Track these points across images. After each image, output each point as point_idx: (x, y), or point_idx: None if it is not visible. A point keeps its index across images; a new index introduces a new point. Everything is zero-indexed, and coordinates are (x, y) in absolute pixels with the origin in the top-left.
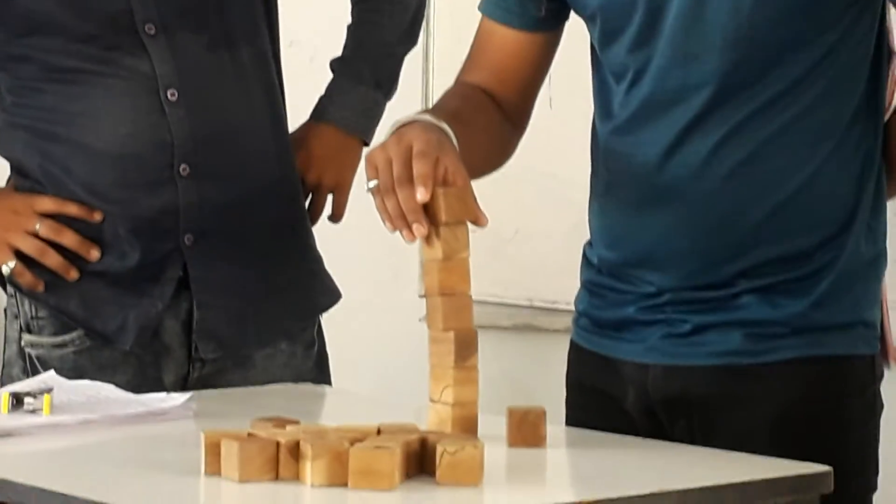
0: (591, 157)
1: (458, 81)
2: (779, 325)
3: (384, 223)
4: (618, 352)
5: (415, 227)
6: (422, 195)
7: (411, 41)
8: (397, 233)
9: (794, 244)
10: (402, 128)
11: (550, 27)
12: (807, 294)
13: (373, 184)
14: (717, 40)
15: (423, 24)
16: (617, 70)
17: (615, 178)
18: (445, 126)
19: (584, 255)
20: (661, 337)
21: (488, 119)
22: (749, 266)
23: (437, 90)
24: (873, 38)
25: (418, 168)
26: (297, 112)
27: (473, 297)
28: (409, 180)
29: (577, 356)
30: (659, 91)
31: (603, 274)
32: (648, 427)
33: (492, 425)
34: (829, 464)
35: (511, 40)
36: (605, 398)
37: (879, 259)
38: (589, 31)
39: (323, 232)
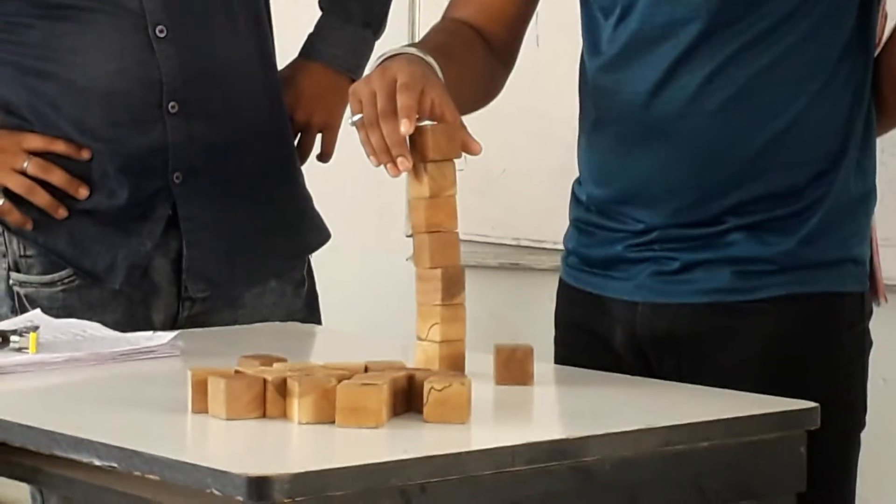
0: (579, 95)
1: (445, 17)
2: (767, 263)
3: (368, 157)
4: (606, 290)
5: (399, 160)
6: (405, 127)
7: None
8: (383, 170)
9: (782, 181)
10: (386, 60)
11: None
12: (795, 231)
13: (357, 117)
14: None
15: None
16: (605, 5)
17: (603, 115)
18: (431, 59)
19: (573, 193)
20: (650, 275)
21: (475, 55)
22: (737, 203)
23: (424, 27)
24: None
25: (402, 100)
26: (279, 47)
27: (460, 237)
28: (393, 113)
29: (566, 294)
30: (647, 27)
31: (591, 212)
32: (636, 365)
33: (479, 363)
34: (817, 400)
35: None
36: (593, 336)
37: (869, 196)
38: None
39: (309, 171)
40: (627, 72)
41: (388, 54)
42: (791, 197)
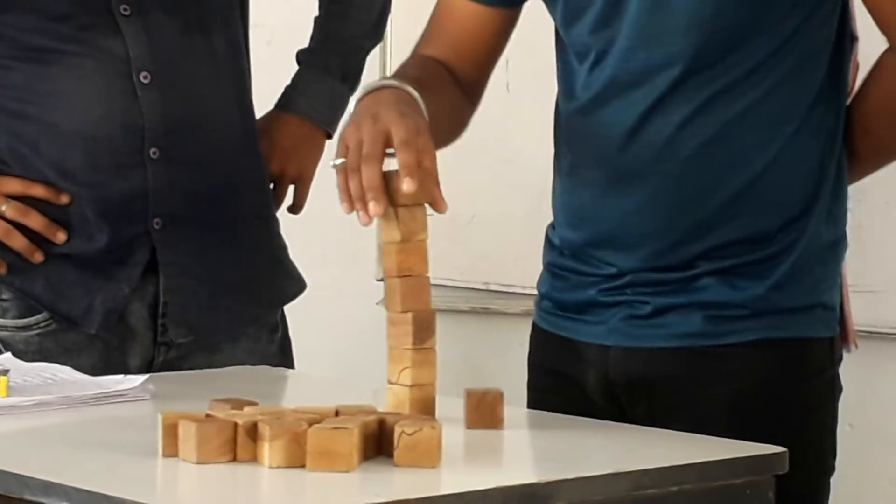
0: (554, 139)
1: (415, 54)
2: (739, 308)
3: (341, 203)
4: (579, 334)
5: (371, 204)
6: (409, 186)
7: (378, 36)
8: (354, 216)
9: (754, 226)
10: (371, 94)
11: (511, 4)
12: (767, 276)
13: (339, 161)
14: (682, 22)
15: None
16: (580, 50)
17: (578, 159)
18: (416, 94)
19: (547, 237)
20: (622, 318)
21: (448, 90)
22: (710, 248)
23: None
24: (835, 23)
25: (404, 158)
26: (255, 98)
27: (431, 281)
28: (376, 158)
29: (539, 338)
30: (622, 72)
31: (565, 255)
32: (609, 409)
33: (450, 407)
34: (787, 445)
35: (471, 14)
36: (565, 380)
37: (840, 243)
38: (550, 12)
39: (281, 214)
40: (602, 116)
41: (373, 87)
42: (763, 242)
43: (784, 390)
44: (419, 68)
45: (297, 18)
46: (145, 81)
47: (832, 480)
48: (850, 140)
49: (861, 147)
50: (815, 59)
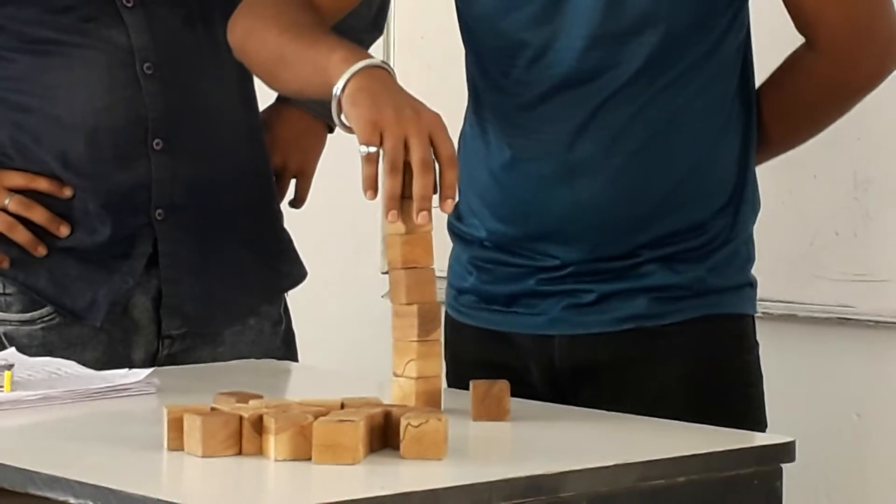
0: (472, 132)
1: None
2: (681, 289)
3: (366, 192)
4: (512, 326)
5: (422, 214)
6: (450, 208)
7: (378, 29)
8: (359, 207)
9: (693, 215)
10: (368, 72)
11: None
12: (705, 260)
13: (372, 149)
14: (638, 21)
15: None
16: (509, 45)
17: (521, 154)
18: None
19: (456, 233)
20: (565, 308)
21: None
22: (653, 237)
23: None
24: (748, 22)
25: (450, 177)
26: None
27: (437, 274)
28: (431, 168)
29: (460, 332)
30: (576, 71)
31: (488, 248)
32: (551, 397)
33: (456, 399)
34: (736, 419)
35: None
36: (500, 371)
37: (752, 234)
38: (464, 2)
39: (285, 210)
40: (549, 112)
41: (374, 63)
42: (700, 229)
43: (727, 364)
44: (306, 10)
45: None
46: (148, 72)
47: (837, 470)
48: (762, 126)
49: (774, 134)
50: (736, 55)
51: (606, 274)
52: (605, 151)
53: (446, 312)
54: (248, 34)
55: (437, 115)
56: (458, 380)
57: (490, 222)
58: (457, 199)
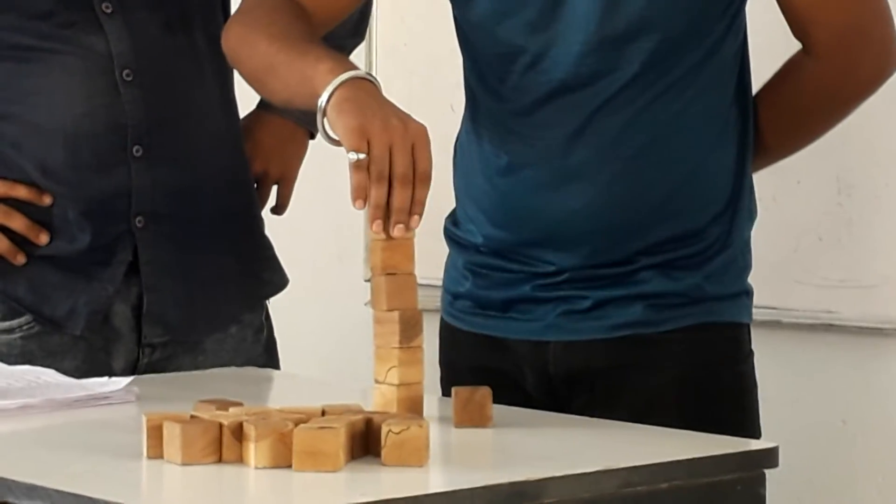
0: (469, 137)
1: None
2: (677, 297)
3: (354, 201)
4: (508, 331)
5: (399, 227)
6: (416, 224)
7: (360, 35)
8: (341, 215)
9: (689, 222)
10: (356, 83)
11: None
12: (701, 267)
13: (361, 156)
14: (634, 27)
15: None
16: (506, 51)
17: (517, 159)
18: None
19: (452, 238)
20: (560, 314)
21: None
22: (650, 244)
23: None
24: (744, 27)
25: (420, 194)
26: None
27: (421, 281)
28: (410, 181)
29: (454, 337)
30: (572, 77)
31: (485, 254)
32: (546, 403)
33: (438, 406)
34: (731, 427)
35: None
36: (496, 377)
37: (749, 240)
38: (460, 10)
39: (267, 217)
40: (545, 118)
41: (359, 74)
42: (696, 236)
43: (723, 372)
44: (298, 19)
45: None
46: (128, 79)
47: (823, 476)
48: (759, 133)
49: (771, 140)
50: (732, 62)
51: (602, 280)
52: (601, 157)
53: (442, 318)
54: (240, 42)
55: (423, 128)
56: (453, 385)
57: (486, 228)
58: (421, 216)
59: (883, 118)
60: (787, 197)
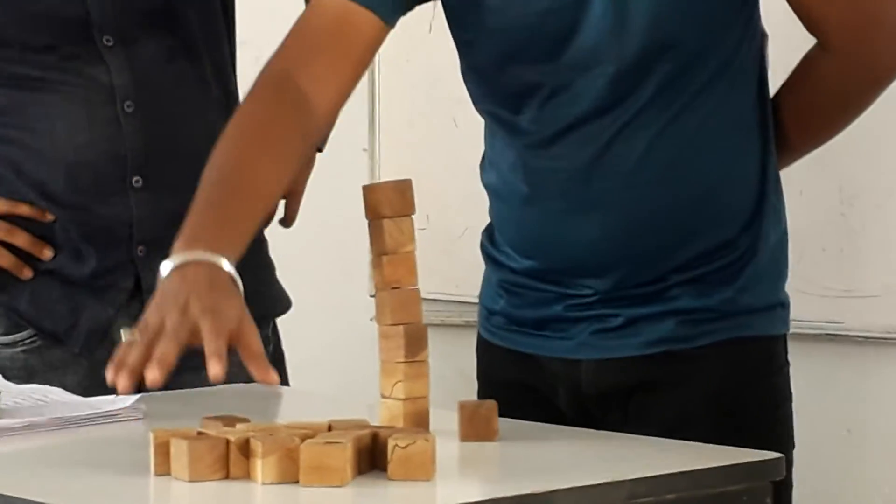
0: (489, 168)
1: (267, 73)
2: (709, 311)
3: (106, 372)
4: (542, 349)
5: (153, 371)
6: (214, 371)
7: None
8: (346, 231)
9: (718, 234)
10: (179, 271)
11: (390, 13)
12: (734, 280)
13: (131, 339)
14: (647, 53)
15: None
16: (520, 88)
17: (536, 191)
18: (230, 270)
19: (490, 256)
20: (592, 333)
21: (293, 135)
22: (679, 263)
23: (384, 91)
24: (760, 28)
25: (211, 346)
26: None
27: (426, 296)
28: (176, 339)
29: (490, 353)
30: (586, 106)
31: (519, 274)
32: (579, 420)
33: (444, 420)
34: (764, 441)
35: (374, 29)
36: (530, 392)
37: (784, 238)
38: (466, 50)
39: (273, 230)
40: (562, 148)
41: (184, 261)
42: (727, 248)
43: (756, 386)
44: (260, 126)
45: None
46: (129, 110)
47: (828, 486)
48: (783, 132)
49: (795, 138)
50: (751, 66)
51: (634, 299)
52: (622, 184)
53: (478, 332)
54: (224, 133)
55: (210, 312)
56: (483, 397)
57: (516, 259)
58: (220, 364)
59: (886, 128)
60: (789, 207)
